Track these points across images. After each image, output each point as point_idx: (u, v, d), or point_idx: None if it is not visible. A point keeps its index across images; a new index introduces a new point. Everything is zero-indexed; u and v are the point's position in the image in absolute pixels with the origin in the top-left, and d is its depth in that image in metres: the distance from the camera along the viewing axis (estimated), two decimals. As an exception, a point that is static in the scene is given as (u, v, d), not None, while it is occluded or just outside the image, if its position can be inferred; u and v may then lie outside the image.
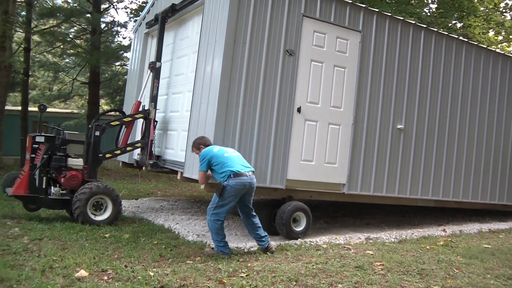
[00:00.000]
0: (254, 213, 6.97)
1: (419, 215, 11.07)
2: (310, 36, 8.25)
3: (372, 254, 6.90)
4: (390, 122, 9.07)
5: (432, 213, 11.30)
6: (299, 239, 7.84)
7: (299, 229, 8.00)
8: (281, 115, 7.93)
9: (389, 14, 9.16)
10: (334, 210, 11.40)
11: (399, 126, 9.16)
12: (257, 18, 7.71)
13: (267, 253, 6.85)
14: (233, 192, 6.63)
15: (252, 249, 7.11)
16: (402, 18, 9.37)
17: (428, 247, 7.68)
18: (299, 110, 8.08)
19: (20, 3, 20.61)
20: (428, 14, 21.31)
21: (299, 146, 8.14)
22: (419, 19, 15.71)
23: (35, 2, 22.58)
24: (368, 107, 8.82)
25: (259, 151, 7.73)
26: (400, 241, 8.35)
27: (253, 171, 6.89)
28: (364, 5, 8.80)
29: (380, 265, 6.24)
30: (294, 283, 5.44)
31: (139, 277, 5.36)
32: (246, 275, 5.63)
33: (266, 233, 6.98)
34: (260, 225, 6.97)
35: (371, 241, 8.19)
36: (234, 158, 6.81)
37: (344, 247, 7.46)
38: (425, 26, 9.68)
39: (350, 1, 8.59)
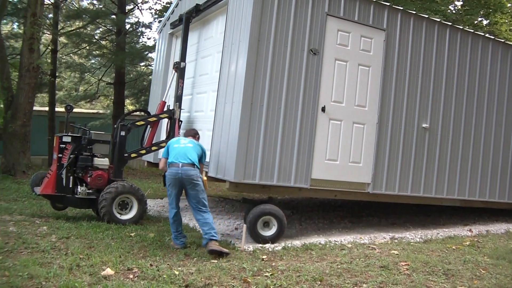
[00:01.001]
0: (200, 209, 6.89)
1: (444, 214, 10.95)
2: (334, 35, 8.22)
3: (397, 254, 6.87)
4: (415, 121, 9.00)
5: (458, 213, 11.17)
6: (323, 238, 7.82)
7: (268, 233, 7.54)
8: (306, 115, 7.91)
9: (414, 12, 9.08)
10: (359, 210, 11.34)
11: (424, 125, 9.07)
12: (281, 17, 7.71)
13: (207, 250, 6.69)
14: (168, 181, 6.97)
15: (276, 248, 7.12)
16: (427, 16, 9.28)
17: (454, 247, 7.61)
18: (323, 109, 8.06)
19: (47, 5, 20.88)
20: (454, 11, 21.07)
21: (323, 145, 8.12)
22: (444, 17, 15.53)
23: (62, 4, 22.88)
24: (393, 106, 8.76)
25: (284, 150, 7.72)
26: (425, 241, 8.28)
27: (190, 163, 6.87)
28: (388, 3, 8.73)
29: (405, 265, 6.20)
30: (319, 282, 5.44)
31: (164, 276, 5.41)
32: (270, 275, 5.65)
33: (211, 232, 6.72)
34: (208, 221, 6.81)
35: (396, 240, 8.14)
36: (178, 150, 7.01)
37: (369, 246, 7.43)
38: (450, 23, 9.57)
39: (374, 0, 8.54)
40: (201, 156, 7.19)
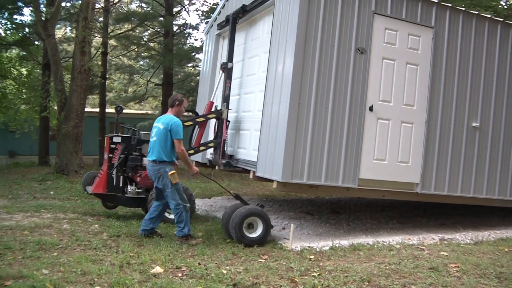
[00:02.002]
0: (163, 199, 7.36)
1: (496, 216, 10.68)
2: (382, 33, 8.15)
3: (446, 256, 6.75)
4: (465, 120, 8.83)
5: (510, 214, 10.89)
6: (371, 239, 7.76)
7: (253, 235, 7.28)
8: (353, 114, 7.87)
9: (463, 9, 8.91)
10: (407, 210, 11.20)
11: (474, 124, 8.89)
12: (328, 16, 7.69)
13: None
14: None
15: (324, 248, 7.10)
16: (476, 12, 9.08)
17: (506, 250, 7.42)
18: (371, 108, 8.01)
19: (98, 9, 21.36)
20: (505, 7, 20.52)
21: (371, 145, 8.06)
22: (495, 13, 15.17)
23: (112, 8, 23.36)
24: (442, 105, 8.62)
25: (331, 150, 7.70)
26: (476, 242, 8.10)
27: (152, 160, 7.24)
28: (436, 1, 8.60)
29: (455, 267, 6.09)
30: (367, 283, 5.40)
31: (213, 275, 5.46)
32: (318, 275, 5.64)
33: (152, 224, 7.38)
34: (158, 214, 7.43)
35: (445, 242, 7.99)
36: (150, 144, 7.45)
37: (418, 247, 7.32)
38: (501, 20, 9.35)
39: (422, -3, 8.43)
40: (168, 136, 7.19)
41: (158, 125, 7.35)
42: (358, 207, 11.60)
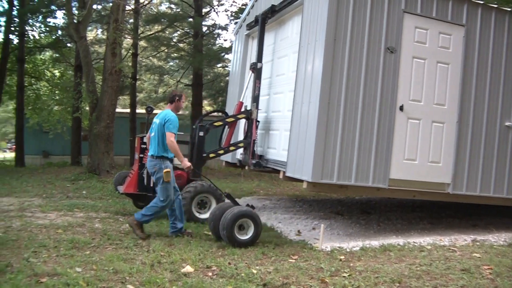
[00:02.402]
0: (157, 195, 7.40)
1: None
2: (412, 32, 8.07)
3: (479, 257, 6.66)
4: (498, 119, 8.68)
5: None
6: (401, 239, 7.70)
7: (244, 237, 7.04)
8: (383, 114, 7.82)
9: (495, 6, 8.77)
10: (438, 211, 11.07)
11: (507, 123, 8.75)
12: (357, 16, 7.65)
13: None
14: None
15: (354, 249, 7.07)
16: (510, 10, 8.93)
17: (541, 252, 7.29)
18: (401, 108, 7.94)
19: (128, 11, 21.61)
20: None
21: (401, 145, 8.00)
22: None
23: (142, 10, 23.60)
24: (474, 104, 8.49)
25: (361, 150, 7.66)
26: (510, 244, 7.96)
27: (151, 155, 7.42)
28: (468, -2, 8.49)
29: (488, 269, 6.01)
30: (398, 284, 5.38)
31: (243, 274, 5.49)
32: (348, 275, 5.62)
33: (178, 223, 7.49)
34: (153, 208, 7.32)
35: (478, 243, 7.87)
36: (150, 139, 7.56)
37: (449, 248, 7.24)
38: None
39: (453, -5, 8.32)
40: (164, 130, 7.32)
41: (156, 120, 7.51)
42: (389, 207, 11.52)
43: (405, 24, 7.98)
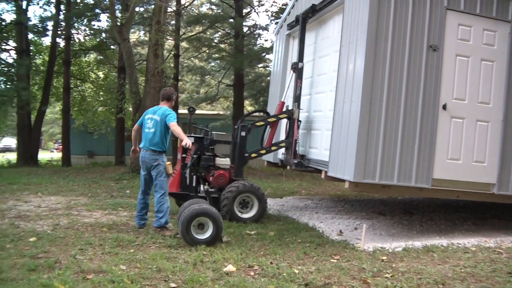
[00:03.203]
0: (156, 190, 7.65)
1: None
2: (455, 29, 7.94)
3: (526, 260, 6.52)
4: (546, 118, 8.46)
5: None
6: (445, 240, 7.59)
7: (202, 236, 6.81)
8: (426, 113, 7.72)
9: (543, 2, 8.56)
10: (483, 211, 10.85)
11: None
12: (399, 14, 7.57)
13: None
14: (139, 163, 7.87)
15: (397, 249, 7.01)
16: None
17: None
18: (444, 107, 7.83)
19: (170, 13, 21.87)
20: None
21: (445, 144, 7.88)
22: None
23: (183, 11, 23.83)
24: (520, 102, 8.30)
25: (404, 149, 7.58)
26: (558, 246, 7.77)
27: (150, 149, 7.61)
28: (514, -6, 8.30)
29: (536, 272, 5.87)
30: (441, 286, 5.31)
31: (284, 274, 5.50)
32: (390, 276, 5.58)
33: (159, 218, 7.58)
34: (160, 205, 7.57)
35: (525, 245, 7.71)
36: (144, 135, 7.76)
37: (495, 250, 7.09)
38: None
39: (499, -10, 8.15)
40: (164, 126, 7.62)
41: (155, 117, 7.72)
42: (432, 207, 11.36)
43: (448, 22, 7.86)
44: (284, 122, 9.82)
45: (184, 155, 8.87)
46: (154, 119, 7.71)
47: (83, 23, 26.68)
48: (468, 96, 8.02)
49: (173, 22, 24.06)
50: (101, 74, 30.34)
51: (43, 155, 34.14)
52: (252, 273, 5.58)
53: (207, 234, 6.81)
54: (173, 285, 5.08)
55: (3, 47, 27.19)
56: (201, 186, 8.95)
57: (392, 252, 6.88)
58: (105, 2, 23.23)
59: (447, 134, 7.89)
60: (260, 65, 26.70)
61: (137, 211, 8.01)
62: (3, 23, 25.91)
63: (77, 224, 8.02)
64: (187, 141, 7.44)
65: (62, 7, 25.86)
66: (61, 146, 29.58)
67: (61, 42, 26.70)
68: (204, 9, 29.01)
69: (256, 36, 26.26)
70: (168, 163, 7.68)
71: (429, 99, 7.73)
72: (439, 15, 7.78)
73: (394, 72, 7.54)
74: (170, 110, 7.71)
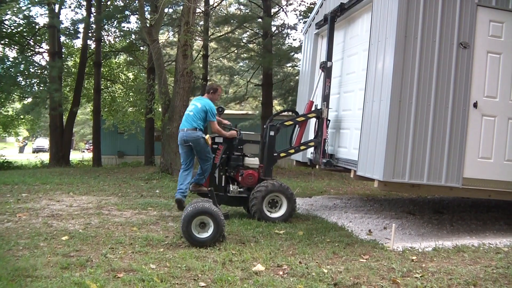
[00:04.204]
0: (188, 169, 8.70)
1: None
2: (486, 26, 7.83)
3: (561, 260, 6.39)
4: None
5: None
6: (476, 240, 7.49)
7: (203, 236, 6.79)
8: (456, 111, 7.62)
9: None
10: (517, 211, 10.69)
11: None
12: (428, 11, 7.50)
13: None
14: (178, 143, 8.79)
15: (426, 249, 6.94)
16: None
17: None
18: (475, 105, 7.72)
19: (198, 14, 22.02)
20: None
21: (476, 143, 7.77)
22: None
23: (212, 12, 23.96)
24: (554, 100, 8.14)
25: (434, 148, 7.51)
26: None
27: (191, 128, 8.44)
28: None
29: None
30: (472, 287, 5.24)
31: (313, 274, 5.50)
32: (420, 276, 5.54)
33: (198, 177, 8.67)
34: (204, 170, 8.61)
35: (559, 245, 7.56)
36: (186, 116, 8.65)
37: (528, 250, 6.98)
38: None
39: (533, -15, 7.99)
40: (205, 117, 8.58)
41: (197, 104, 8.66)
42: (462, 207, 11.22)
43: (479, 18, 7.75)
44: (313, 122, 9.80)
45: (213, 155, 8.92)
46: (196, 105, 8.65)
47: (113, 25, 27.04)
48: (499, 93, 7.89)
49: (201, 22, 24.23)
50: (131, 75, 30.68)
51: (75, 156, 34.71)
52: (281, 273, 5.59)
53: (208, 233, 6.79)
54: (202, 284, 5.12)
55: (36, 49, 27.74)
56: (230, 185, 8.98)
57: (422, 252, 6.81)
58: (134, 4, 23.50)
59: (478, 133, 7.78)
60: (288, 65, 26.67)
61: (178, 184, 8.72)
62: (37, 27, 26.42)
63: (107, 223, 8.14)
64: (232, 134, 8.83)
65: (93, 9, 26.26)
66: (92, 147, 30.01)
67: (92, 44, 27.11)
68: (233, 9, 29.11)
69: (285, 35, 26.26)
70: (208, 136, 8.59)
71: (460, 97, 7.63)
72: (469, 11, 7.68)
73: (424, 70, 7.46)
74: (211, 105, 8.65)
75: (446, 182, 7.59)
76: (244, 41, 26.68)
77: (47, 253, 6.14)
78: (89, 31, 25.77)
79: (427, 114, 7.47)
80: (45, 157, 29.55)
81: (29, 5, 24.18)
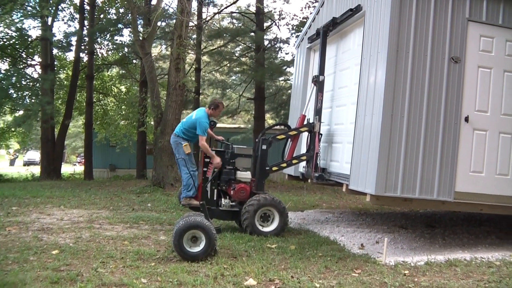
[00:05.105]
0: (179, 166, 9.30)
1: None
2: (476, 41, 7.89)
3: (553, 274, 6.40)
4: None
5: None
6: (468, 254, 7.49)
7: (194, 250, 6.72)
8: (448, 125, 7.66)
9: None
10: (508, 225, 10.69)
11: None
12: (419, 26, 7.55)
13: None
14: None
15: (419, 263, 6.93)
16: None
17: None
18: (466, 119, 7.76)
19: (191, 27, 22.09)
20: None
21: (467, 157, 7.80)
22: None
23: (204, 25, 24.03)
24: (545, 114, 8.19)
25: (426, 162, 7.52)
26: None
27: (175, 133, 9.11)
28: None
29: None
30: (465, 300, 5.24)
31: (305, 288, 5.48)
32: (413, 290, 5.53)
33: (185, 192, 8.89)
34: (185, 181, 8.92)
35: (551, 259, 7.57)
36: (180, 122, 9.27)
37: (520, 264, 6.98)
38: None
39: (522, 1, 8.07)
40: (191, 127, 8.93)
41: (194, 114, 9.14)
42: (454, 221, 11.24)
43: (470, 33, 7.81)
44: (305, 135, 9.81)
45: (205, 169, 8.91)
46: (192, 115, 9.16)
47: (106, 38, 27.10)
48: (490, 108, 7.94)
49: (194, 36, 24.26)
50: (123, 88, 30.69)
51: (66, 169, 34.54)
52: (272, 287, 5.57)
53: (200, 247, 6.71)
54: (193, 298, 5.09)
55: (28, 62, 27.72)
56: (222, 199, 8.96)
57: (414, 266, 6.80)
58: (127, 17, 23.54)
59: (469, 147, 7.81)
60: (281, 79, 26.76)
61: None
62: (29, 39, 26.42)
63: (98, 237, 8.08)
64: (217, 160, 8.79)
65: (85, 22, 26.30)
66: (83, 160, 29.91)
67: (85, 57, 27.16)
68: (225, 23, 29.21)
69: (277, 49, 26.35)
70: (186, 144, 8.96)
71: (451, 112, 7.67)
72: (460, 26, 7.74)
73: (416, 85, 7.50)
74: (204, 119, 8.88)
75: (438, 196, 7.60)
76: (236, 55, 26.75)
77: (37, 267, 6.08)
78: (82, 44, 25.82)
79: (419, 128, 7.50)
80: (36, 170, 29.43)
81: (22, 18, 24.23)
